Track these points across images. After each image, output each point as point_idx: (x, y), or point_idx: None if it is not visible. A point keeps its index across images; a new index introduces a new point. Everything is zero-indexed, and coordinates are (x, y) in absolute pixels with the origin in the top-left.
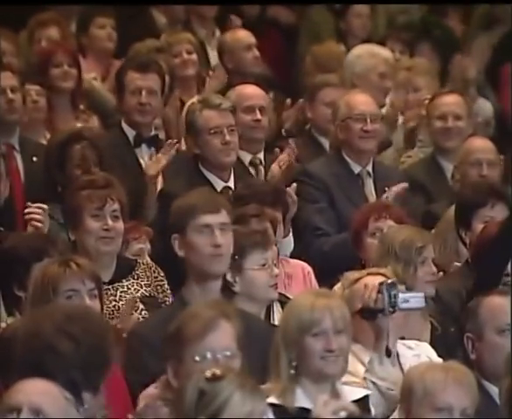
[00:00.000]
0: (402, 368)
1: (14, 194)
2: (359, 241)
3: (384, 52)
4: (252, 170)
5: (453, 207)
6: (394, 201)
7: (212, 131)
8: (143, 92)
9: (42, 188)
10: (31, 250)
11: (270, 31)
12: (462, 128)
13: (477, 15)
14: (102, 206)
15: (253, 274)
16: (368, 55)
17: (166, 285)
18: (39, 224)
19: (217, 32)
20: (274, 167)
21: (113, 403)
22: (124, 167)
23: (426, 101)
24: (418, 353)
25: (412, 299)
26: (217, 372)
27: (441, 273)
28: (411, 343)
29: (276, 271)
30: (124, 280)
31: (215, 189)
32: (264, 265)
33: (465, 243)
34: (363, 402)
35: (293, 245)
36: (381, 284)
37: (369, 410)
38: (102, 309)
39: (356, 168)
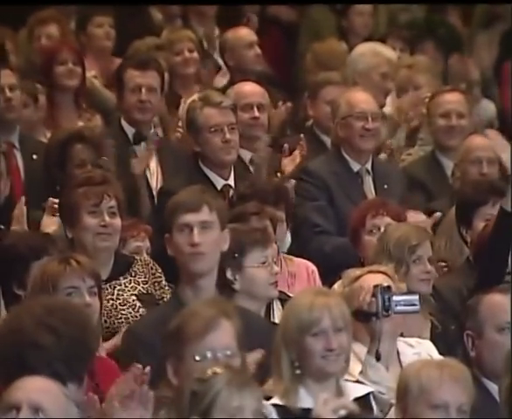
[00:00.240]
0: (402, 367)
1: (14, 192)
2: (357, 238)
3: (388, 52)
4: (251, 168)
5: None
6: None
7: (213, 129)
8: (143, 90)
9: (42, 186)
10: (31, 248)
11: (270, 29)
12: (464, 127)
13: (477, 13)
14: (99, 203)
15: (253, 272)
16: (371, 54)
17: (164, 282)
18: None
19: (217, 31)
20: (287, 162)
21: None
22: (123, 164)
23: (427, 100)
24: (418, 351)
25: (407, 303)
26: (218, 370)
27: (445, 269)
28: (413, 341)
29: (276, 268)
30: (121, 277)
31: (215, 187)
32: (264, 263)
33: (466, 242)
34: (364, 400)
35: (290, 242)
36: (375, 287)
37: (371, 408)
38: (102, 306)
39: (356, 167)
